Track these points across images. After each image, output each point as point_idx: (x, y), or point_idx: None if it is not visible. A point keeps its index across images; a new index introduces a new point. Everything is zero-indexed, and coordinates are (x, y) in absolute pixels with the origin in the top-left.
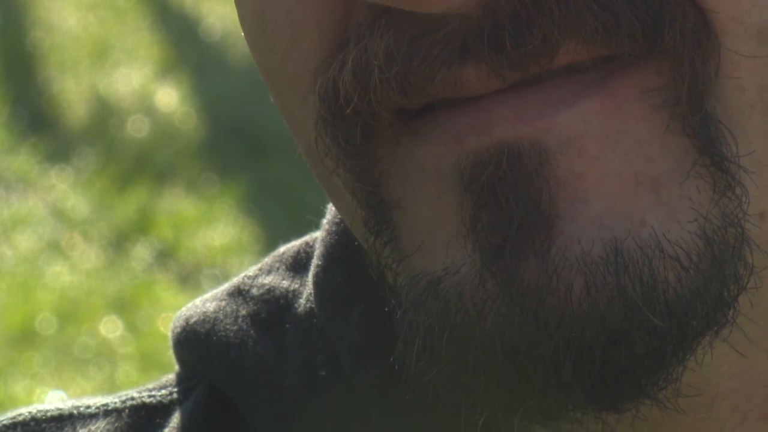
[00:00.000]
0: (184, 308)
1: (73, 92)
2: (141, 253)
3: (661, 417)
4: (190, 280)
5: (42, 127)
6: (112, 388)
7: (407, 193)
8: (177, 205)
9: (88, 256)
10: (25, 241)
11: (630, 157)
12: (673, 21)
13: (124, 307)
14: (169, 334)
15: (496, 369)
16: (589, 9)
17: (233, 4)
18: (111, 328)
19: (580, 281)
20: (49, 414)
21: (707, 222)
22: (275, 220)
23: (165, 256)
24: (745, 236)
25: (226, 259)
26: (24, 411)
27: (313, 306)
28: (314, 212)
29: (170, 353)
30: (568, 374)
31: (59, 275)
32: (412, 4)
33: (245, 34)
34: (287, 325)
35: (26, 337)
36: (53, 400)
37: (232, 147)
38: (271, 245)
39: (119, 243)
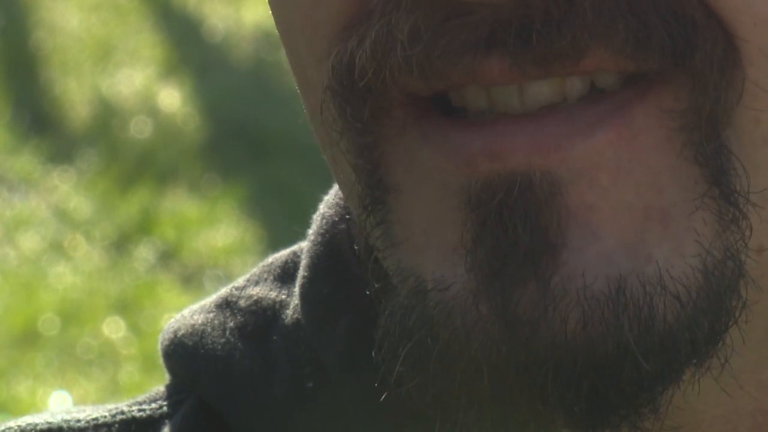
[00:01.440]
0: (172, 320)
1: (75, 93)
2: (144, 253)
3: None
4: (192, 280)
5: (45, 127)
6: (114, 389)
7: (407, 182)
8: (179, 205)
9: (91, 256)
10: (28, 241)
11: (641, 188)
12: (704, 44)
13: (126, 307)
14: (159, 345)
15: (480, 391)
16: (623, 18)
17: (236, 5)
18: (114, 328)
19: (577, 314)
20: (38, 428)
21: (709, 255)
22: (278, 220)
23: (168, 256)
24: (742, 270)
25: (228, 260)
26: (13, 424)
27: (299, 317)
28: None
29: None
30: (554, 402)
31: (62, 276)
32: None
33: None
34: (274, 337)
35: (29, 338)
36: (56, 400)
37: (234, 148)
38: (273, 246)
39: (122, 244)
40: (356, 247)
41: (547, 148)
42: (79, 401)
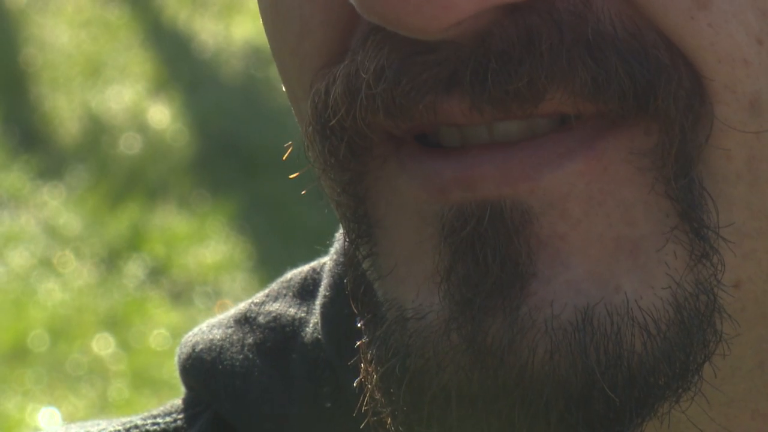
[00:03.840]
0: (190, 333)
1: (65, 109)
2: (133, 270)
3: None
4: (182, 297)
5: (34, 144)
6: (104, 405)
7: (389, 215)
8: (169, 222)
9: (80, 273)
10: (18, 258)
11: (613, 220)
12: (668, 84)
13: (116, 324)
14: (176, 359)
15: (449, 421)
16: (582, 61)
17: (226, 22)
18: (103, 345)
19: (545, 344)
20: None
21: (680, 288)
22: (267, 237)
23: (157, 273)
24: (716, 304)
25: (218, 277)
26: None
27: (319, 336)
28: (307, 230)
29: (162, 370)
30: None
31: (51, 292)
32: (405, 29)
33: (261, 18)
34: (293, 355)
35: (18, 355)
36: (45, 417)
37: (224, 164)
38: (263, 263)
39: (111, 260)
40: (345, 281)
41: (516, 178)
42: (68, 418)
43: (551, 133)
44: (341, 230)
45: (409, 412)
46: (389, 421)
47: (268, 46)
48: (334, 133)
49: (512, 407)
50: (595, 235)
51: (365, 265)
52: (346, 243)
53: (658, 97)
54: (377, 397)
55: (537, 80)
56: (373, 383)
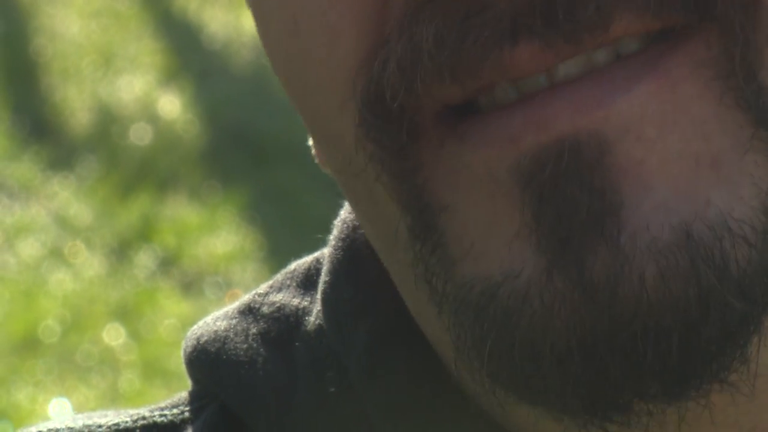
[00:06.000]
0: (195, 327)
1: (75, 100)
2: (144, 260)
3: (727, 405)
4: (193, 287)
5: (45, 134)
6: (115, 395)
7: (455, 197)
8: (180, 212)
9: (91, 263)
10: (28, 248)
11: (688, 136)
12: None
13: (127, 314)
14: (181, 352)
15: (572, 367)
16: None
17: (236, 12)
18: (114, 335)
19: (653, 268)
20: None
21: None
22: (278, 227)
23: (168, 263)
24: None
25: (228, 267)
26: (34, 430)
27: (322, 323)
28: (317, 220)
29: (173, 360)
30: (647, 364)
31: (62, 283)
32: None
33: (269, 46)
34: (297, 343)
35: (29, 345)
36: (56, 407)
37: (234, 154)
38: (273, 253)
39: (122, 250)
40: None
41: (589, 106)
42: (78, 408)
43: (612, 65)
44: (341, 216)
45: (526, 368)
46: (506, 388)
47: None
48: (391, 120)
49: (633, 339)
50: (674, 154)
51: (432, 260)
52: (409, 240)
53: (718, 3)
54: (487, 369)
55: (604, 5)
56: (477, 362)
